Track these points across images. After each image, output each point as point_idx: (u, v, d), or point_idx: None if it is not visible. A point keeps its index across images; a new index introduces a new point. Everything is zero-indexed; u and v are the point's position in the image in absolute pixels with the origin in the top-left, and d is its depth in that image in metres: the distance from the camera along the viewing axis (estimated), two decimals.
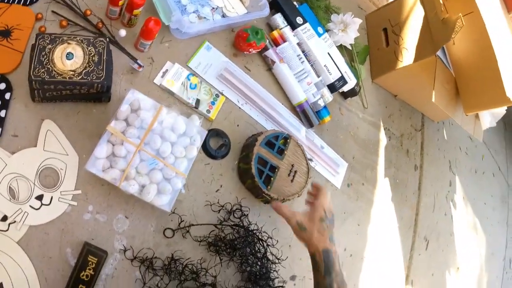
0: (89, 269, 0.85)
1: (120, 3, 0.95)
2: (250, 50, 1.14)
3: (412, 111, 1.62)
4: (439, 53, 1.41)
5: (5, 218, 0.81)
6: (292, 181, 1.08)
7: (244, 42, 1.11)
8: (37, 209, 0.84)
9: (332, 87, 1.30)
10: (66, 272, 0.85)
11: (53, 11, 0.95)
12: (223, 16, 1.13)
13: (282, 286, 1.03)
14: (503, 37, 1.34)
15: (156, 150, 0.91)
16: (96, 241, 0.89)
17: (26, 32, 0.91)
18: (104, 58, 0.85)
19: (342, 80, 1.31)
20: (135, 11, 0.96)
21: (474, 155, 1.93)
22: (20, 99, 0.87)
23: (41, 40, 0.81)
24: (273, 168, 1.07)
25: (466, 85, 1.45)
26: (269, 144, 1.08)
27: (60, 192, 0.87)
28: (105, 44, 0.86)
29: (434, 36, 1.32)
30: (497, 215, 2.07)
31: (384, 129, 1.50)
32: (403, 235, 1.48)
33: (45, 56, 0.80)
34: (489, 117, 1.58)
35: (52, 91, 0.84)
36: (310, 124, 1.23)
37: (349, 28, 1.35)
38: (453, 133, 1.81)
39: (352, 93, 1.37)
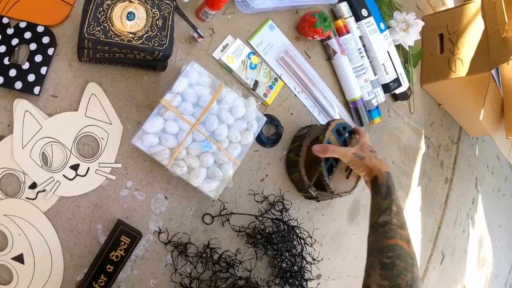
0: (120, 250, 0.73)
1: None
2: (314, 36, 0.99)
3: (452, 123, 1.49)
4: (492, 70, 1.27)
5: (34, 185, 0.68)
6: (347, 177, 0.94)
7: (310, 27, 0.96)
8: (70, 180, 0.71)
9: (386, 88, 1.16)
10: (94, 249, 0.73)
11: None
12: None
13: None
14: None
15: (212, 132, 0.78)
16: (130, 220, 0.77)
17: None
18: (169, 23, 0.71)
19: (397, 82, 1.17)
20: None
21: (499, 175, 1.81)
22: (64, 56, 0.73)
23: None
24: (336, 159, 0.92)
25: None
26: (338, 133, 0.93)
27: (99, 163, 0.74)
28: (172, 8, 0.72)
29: (491, 53, 1.18)
30: (507, 238, 1.97)
31: (425, 137, 1.36)
32: (423, 246, 1.38)
33: (102, 13, 0.66)
34: None
35: (104, 53, 0.70)
36: (361, 123, 1.10)
37: (411, 29, 1.19)
38: (484, 150, 1.68)
39: (404, 96, 1.23)
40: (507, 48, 1.11)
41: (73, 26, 0.74)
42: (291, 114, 0.99)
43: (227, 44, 0.89)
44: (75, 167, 0.72)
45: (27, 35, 0.70)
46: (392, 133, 1.24)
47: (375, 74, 1.13)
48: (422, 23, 1.21)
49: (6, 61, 0.68)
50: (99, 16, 0.66)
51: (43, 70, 0.70)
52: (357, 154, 0.83)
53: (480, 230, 1.70)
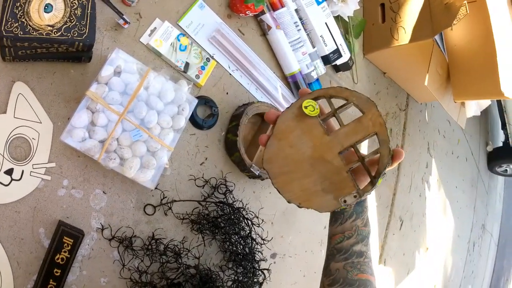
0: (65, 252, 0.77)
1: None
2: (247, 12, 1.03)
3: (398, 90, 1.58)
4: (436, 36, 1.36)
5: None
6: None
7: (242, 3, 1.01)
8: (6, 185, 0.73)
9: (326, 59, 1.23)
10: (40, 254, 0.76)
11: None
12: None
13: (267, 269, 0.99)
14: (505, 30, 1.30)
15: (141, 120, 0.81)
16: (71, 220, 0.80)
17: None
18: (89, 11, 0.73)
19: (337, 53, 1.24)
20: None
21: (451, 138, 1.95)
22: None
23: None
24: None
25: (459, 72, 1.41)
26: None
27: (32, 165, 0.76)
28: None
29: (434, 19, 1.26)
30: (466, 198, 2.13)
31: None
32: (380, 214, 1.48)
33: (19, 8, 0.68)
34: (475, 106, 1.58)
35: (25, 49, 0.71)
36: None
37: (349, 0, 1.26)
38: (434, 115, 1.80)
39: (345, 67, 1.30)
40: (449, 13, 1.19)
41: None
42: (227, 93, 1.03)
43: (155, 28, 0.92)
44: (9, 172, 0.74)
45: None
46: (335, 104, 1.31)
47: (314, 47, 1.19)
48: None
49: None
50: (17, 12, 0.67)
51: None
52: None
53: (437, 193, 1.83)
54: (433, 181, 1.78)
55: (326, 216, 1.22)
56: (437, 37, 1.37)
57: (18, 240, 0.74)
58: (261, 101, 1.04)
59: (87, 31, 0.72)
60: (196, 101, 0.89)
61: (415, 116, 1.66)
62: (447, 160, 1.91)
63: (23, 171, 0.75)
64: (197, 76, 0.96)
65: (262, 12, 1.09)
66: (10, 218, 0.74)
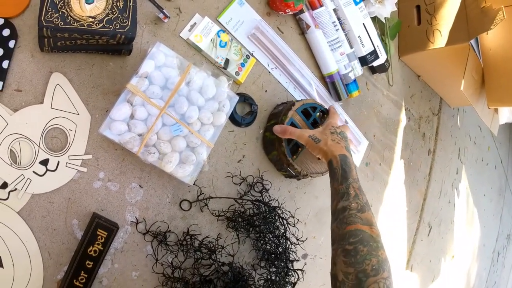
0: (98, 244, 0.72)
1: None
2: (286, 10, 0.97)
3: (432, 94, 1.49)
4: (472, 41, 1.28)
5: (5, 185, 0.66)
6: (319, 158, 0.94)
7: (282, 1, 0.95)
8: (41, 176, 0.69)
9: (363, 61, 1.15)
10: (72, 245, 0.72)
11: None
12: None
13: (301, 270, 0.92)
14: None
15: (182, 115, 0.76)
16: (106, 212, 0.75)
17: None
18: (131, 4, 0.68)
19: (374, 54, 1.16)
20: None
21: (481, 145, 1.84)
22: (26, 48, 0.70)
23: None
24: None
25: (494, 78, 1.32)
26: (305, 114, 0.94)
27: (68, 156, 0.72)
28: None
29: (470, 23, 1.18)
30: (493, 207, 2.01)
31: (405, 109, 1.37)
32: (409, 219, 1.39)
33: None
34: (508, 113, 1.48)
35: (65, 40, 0.67)
36: (338, 97, 1.09)
37: (386, 1, 1.18)
38: (466, 121, 1.70)
39: (382, 69, 1.22)
40: (486, 18, 1.11)
41: (34, 16, 0.70)
42: (266, 91, 0.97)
43: (195, 23, 0.87)
44: (44, 162, 0.70)
45: None
46: (371, 106, 1.24)
47: (351, 47, 1.12)
48: None
49: None
50: (57, 2, 0.63)
51: (5, 64, 0.67)
52: (313, 137, 0.82)
53: (465, 200, 1.73)
54: (463, 188, 1.68)
55: None
56: (472, 41, 1.28)
57: (51, 230, 0.70)
58: (309, 99, 0.97)
59: (129, 23, 0.68)
60: (237, 98, 0.83)
61: (447, 121, 1.56)
62: (476, 167, 1.81)
63: (58, 162, 0.71)
64: (237, 73, 0.91)
65: (301, 11, 1.02)
66: (44, 208, 0.69)
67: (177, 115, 0.75)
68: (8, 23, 0.68)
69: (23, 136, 0.68)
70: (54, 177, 0.70)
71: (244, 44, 0.94)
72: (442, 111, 1.52)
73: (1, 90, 0.66)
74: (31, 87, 0.70)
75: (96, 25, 0.65)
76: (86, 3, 0.65)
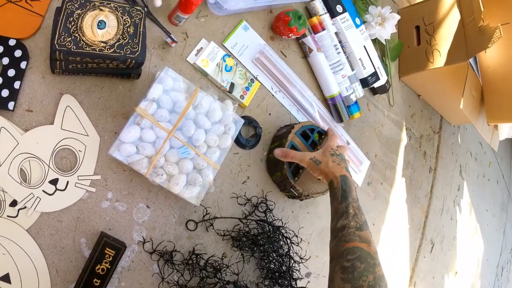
0: (106, 263, 0.73)
1: None
2: (289, 35, 0.99)
3: (432, 113, 1.51)
4: (470, 59, 1.30)
5: (14, 203, 0.68)
6: (319, 179, 0.96)
7: (285, 26, 0.97)
8: (50, 195, 0.71)
9: (364, 82, 1.17)
10: (80, 263, 0.72)
11: None
12: None
13: (304, 287, 0.92)
14: None
15: (189, 138, 0.77)
16: (113, 232, 0.76)
17: None
18: (141, 30, 0.70)
19: (375, 76, 1.18)
20: None
21: (483, 161, 1.84)
22: (37, 69, 0.72)
23: (69, 3, 0.66)
24: None
25: (493, 95, 1.34)
26: (304, 136, 0.96)
27: (78, 176, 0.73)
28: (142, 14, 0.72)
29: (468, 42, 1.20)
30: (495, 222, 2.01)
31: (406, 128, 1.38)
32: (412, 236, 1.39)
33: (72, 23, 0.65)
34: (508, 129, 1.49)
35: (76, 64, 0.69)
36: (340, 119, 1.11)
37: (386, 23, 1.21)
38: (466, 138, 1.71)
39: (382, 89, 1.24)
40: (484, 36, 1.13)
41: (45, 38, 0.73)
42: (270, 114, 0.99)
43: (201, 48, 0.89)
44: (54, 182, 0.71)
45: None
46: (373, 126, 1.25)
47: (353, 69, 1.14)
48: (398, 17, 1.23)
49: None
50: (70, 27, 0.65)
51: (17, 84, 0.69)
52: (314, 159, 0.84)
53: (468, 216, 1.73)
54: (465, 204, 1.68)
55: None
56: (471, 59, 1.30)
57: (59, 248, 0.71)
58: (307, 121, 0.99)
59: (139, 49, 0.70)
60: (242, 121, 0.85)
61: (448, 138, 1.57)
62: (478, 183, 1.81)
63: (68, 181, 0.72)
64: (242, 97, 0.92)
65: (304, 35, 1.05)
66: (52, 226, 0.71)
67: (185, 138, 0.77)
68: (20, 44, 0.70)
69: (33, 156, 0.70)
70: (63, 196, 0.72)
71: (248, 68, 0.96)
72: (442, 129, 1.54)
73: (13, 110, 0.68)
74: (41, 107, 0.72)
75: (108, 50, 0.67)
76: (98, 28, 0.67)
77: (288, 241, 0.92)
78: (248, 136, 0.94)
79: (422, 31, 1.34)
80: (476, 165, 1.78)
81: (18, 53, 0.70)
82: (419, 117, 1.44)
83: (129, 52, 0.69)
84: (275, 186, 0.98)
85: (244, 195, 0.92)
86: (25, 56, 0.70)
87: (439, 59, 1.26)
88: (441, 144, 1.52)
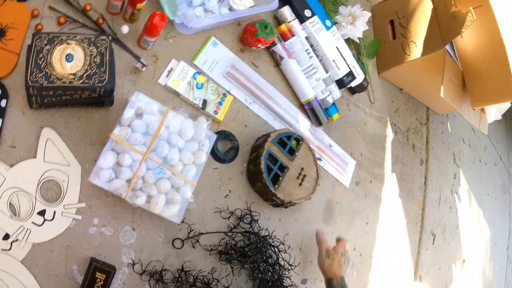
0: (97, 287, 0.77)
1: None
2: (258, 45, 1.05)
3: (417, 105, 1.55)
4: (447, 46, 1.34)
5: (7, 236, 0.73)
6: (300, 184, 1.02)
7: (253, 37, 1.02)
8: (39, 226, 0.76)
9: (340, 83, 1.22)
10: None
11: (50, 7, 0.85)
12: (230, 9, 1.03)
13: None
14: None
15: (163, 158, 0.82)
16: (103, 256, 0.81)
17: (22, 31, 0.81)
18: (107, 59, 0.76)
19: (351, 75, 1.23)
20: (139, 5, 0.87)
21: (477, 146, 1.88)
22: (17, 106, 0.78)
23: (38, 40, 0.72)
24: (283, 168, 1.00)
25: (473, 79, 1.38)
26: (281, 143, 1.01)
27: (63, 206, 0.79)
28: (108, 43, 0.77)
29: (442, 29, 1.24)
30: (498, 205, 2.03)
31: (391, 124, 1.43)
32: (410, 231, 1.43)
33: (42, 59, 0.71)
34: (494, 110, 1.52)
35: (51, 97, 0.75)
36: (319, 122, 1.16)
37: (357, 21, 1.26)
38: (457, 125, 1.75)
39: (361, 88, 1.29)
40: (457, 22, 1.17)
41: (22, 75, 0.77)
42: (246, 126, 1.04)
43: (172, 69, 0.95)
44: (42, 213, 0.76)
45: None
46: (355, 126, 1.30)
47: (327, 72, 1.19)
48: (368, 14, 1.28)
49: None
50: (40, 63, 0.71)
51: None
52: (327, 251, 0.99)
53: (468, 203, 1.76)
54: (463, 192, 1.71)
55: (356, 238, 1.20)
56: (448, 46, 1.33)
57: (53, 276, 0.76)
58: (283, 129, 1.04)
59: (106, 77, 0.75)
60: (215, 136, 0.90)
61: (437, 128, 1.61)
62: (475, 169, 1.84)
63: (55, 211, 0.78)
64: (215, 112, 0.97)
65: (274, 44, 1.10)
66: (44, 256, 0.76)
67: (160, 158, 0.82)
68: (0, 84, 0.76)
69: (20, 189, 0.75)
70: (52, 226, 0.77)
71: (220, 83, 1.01)
72: (430, 119, 1.58)
73: None
74: (24, 142, 0.77)
75: (77, 81, 0.73)
76: (66, 61, 0.72)
77: (276, 249, 0.96)
78: (225, 150, 0.99)
79: (397, 25, 1.39)
80: (470, 151, 1.82)
81: None
82: (404, 110, 1.48)
83: (97, 81, 0.74)
84: (259, 197, 1.02)
85: (227, 209, 0.97)
86: (5, 94, 0.76)
87: (416, 50, 1.31)
88: (430, 134, 1.56)
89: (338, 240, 1.04)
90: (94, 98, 0.80)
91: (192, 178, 0.85)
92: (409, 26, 1.35)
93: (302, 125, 1.14)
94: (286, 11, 1.15)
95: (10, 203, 0.74)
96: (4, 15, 0.80)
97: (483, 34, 1.29)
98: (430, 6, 1.31)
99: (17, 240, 0.73)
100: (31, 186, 0.76)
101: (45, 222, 0.76)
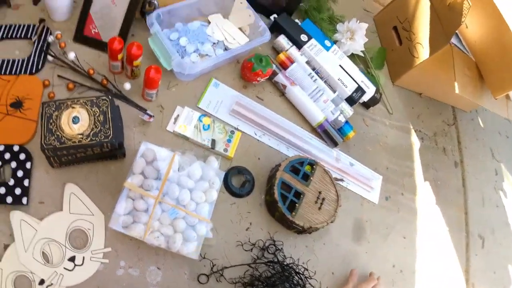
0: None
1: (120, 57, 0.96)
2: (257, 79, 1.11)
3: (441, 106, 1.54)
4: (454, 40, 1.33)
5: (42, 282, 0.83)
6: (320, 208, 1.03)
7: (250, 72, 1.09)
8: (71, 270, 0.85)
9: (350, 100, 1.25)
10: None
11: (58, 75, 0.98)
12: (225, 49, 1.12)
13: None
14: None
15: (176, 199, 0.90)
16: None
17: (37, 100, 0.94)
18: (109, 116, 0.85)
19: (360, 90, 1.26)
20: (135, 62, 0.97)
21: None
22: (40, 166, 0.90)
23: (47, 108, 0.83)
24: (298, 194, 1.03)
25: (488, 67, 1.34)
26: (294, 170, 1.05)
27: (91, 251, 0.88)
28: (108, 102, 0.87)
29: (444, 24, 1.25)
30: None
31: (415, 131, 1.42)
32: (454, 238, 1.39)
33: (53, 124, 0.82)
34: None
35: (66, 156, 0.86)
36: (334, 143, 1.19)
37: (356, 35, 1.29)
38: (489, 119, 1.69)
39: (374, 101, 1.31)
40: (456, 13, 1.18)
41: None
42: (259, 159, 1.10)
43: (178, 115, 1.03)
44: (72, 259, 0.86)
45: (7, 156, 0.88)
46: (375, 140, 1.31)
47: (335, 91, 1.22)
48: (366, 25, 1.31)
49: None
50: (51, 127, 0.82)
51: (26, 182, 0.87)
52: None
53: None
54: (508, 187, 1.63)
55: (395, 255, 1.20)
56: (455, 40, 1.33)
57: None
58: (293, 156, 1.08)
59: (111, 132, 0.84)
60: (223, 173, 0.96)
61: (467, 126, 1.58)
62: None
63: (83, 257, 0.87)
64: (225, 150, 1.04)
65: (275, 74, 1.16)
66: None
67: (172, 200, 0.89)
68: (22, 149, 0.90)
69: (51, 239, 0.86)
70: (82, 270, 0.87)
71: (227, 121, 1.08)
72: (458, 119, 1.55)
73: (27, 204, 0.86)
74: (50, 198, 0.89)
75: (85, 140, 0.83)
76: (73, 123, 0.83)
77: (302, 276, 0.99)
78: (241, 185, 1.05)
79: (400, 30, 1.41)
80: (509, 143, 1.73)
81: (22, 156, 0.89)
82: (427, 115, 1.48)
83: (103, 137, 0.83)
84: (281, 226, 1.06)
85: (249, 241, 1.01)
86: (29, 158, 0.89)
87: (423, 51, 1.32)
88: (460, 134, 1.53)
89: (370, 275, 1.06)
90: (106, 153, 0.89)
91: (206, 215, 0.91)
92: (412, 29, 1.36)
93: (318, 148, 1.17)
94: (282, 40, 1.21)
95: (43, 252, 0.85)
96: (19, 89, 0.94)
97: (486, 19, 1.27)
98: (427, 3, 1.32)
99: (51, 284, 0.83)
100: (61, 236, 0.87)
101: (76, 267, 0.86)
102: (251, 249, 1.01)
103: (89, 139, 0.83)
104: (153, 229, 0.87)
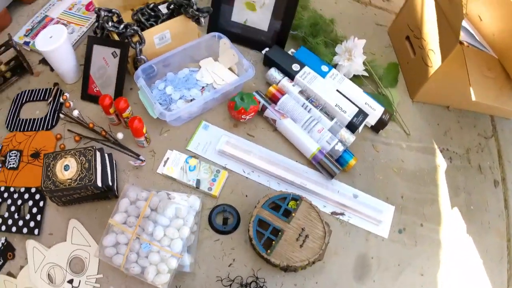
0: None
1: (111, 111, 1.17)
2: (242, 117, 1.21)
3: (475, 117, 1.43)
4: (468, 38, 1.23)
5: None
6: (301, 246, 1.06)
7: (233, 111, 1.20)
8: None
9: (352, 126, 1.26)
10: None
11: (68, 130, 1.24)
12: None
13: None
14: None
15: (150, 235, 1.05)
16: None
17: (50, 151, 1.19)
18: (93, 164, 1.05)
19: (362, 114, 1.26)
20: (124, 114, 1.16)
21: None
22: (52, 205, 1.16)
23: (46, 158, 1.07)
24: (277, 231, 1.08)
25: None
26: (275, 207, 1.10)
27: (86, 276, 1.09)
28: (93, 151, 1.07)
29: (450, 22, 1.19)
30: None
31: (441, 151, 1.36)
32: (492, 270, 1.26)
33: (50, 171, 1.05)
34: None
35: (65, 196, 1.08)
36: (330, 175, 1.20)
37: (353, 54, 1.29)
38: None
39: (382, 124, 1.29)
40: (457, 5, 1.15)
41: None
42: (246, 196, 1.19)
43: (168, 158, 1.19)
44: (71, 281, 1.09)
45: (26, 196, 1.16)
46: (388, 167, 1.29)
47: (332, 119, 1.25)
48: (363, 41, 1.31)
49: (16, 216, 1.13)
50: (49, 174, 1.05)
51: (39, 217, 1.13)
52: None
53: None
54: None
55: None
56: (471, 40, 1.23)
57: None
58: (275, 192, 1.13)
59: (94, 177, 1.04)
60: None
61: (510, 136, 1.44)
62: None
63: (80, 280, 1.09)
64: (210, 188, 1.17)
65: (264, 108, 1.24)
66: None
67: (148, 235, 1.05)
68: (38, 190, 1.16)
69: (55, 264, 1.10)
70: None
71: (216, 161, 1.21)
72: (498, 129, 1.43)
73: (38, 235, 1.11)
74: (58, 231, 1.13)
75: (73, 183, 1.04)
76: (64, 170, 1.05)
77: None
78: (225, 222, 1.15)
79: (413, 38, 1.38)
80: None
81: (37, 196, 1.16)
82: (457, 129, 1.39)
83: (87, 181, 1.04)
84: (266, 263, 1.11)
85: (228, 277, 1.10)
86: (43, 198, 1.16)
87: (435, 58, 1.27)
88: (501, 147, 1.41)
89: None
90: (99, 194, 1.11)
91: (178, 251, 1.05)
92: (423, 35, 1.32)
93: (314, 181, 1.20)
94: (273, 72, 1.29)
95: (48, 274, 1.09)
96: (38, 142, 1.23)
97: (501, 5, 1.16)
98: (432, 3, 1.28)
99: None
100: (63, 262, 1.10)
101: None
102: (230, 285, 1.09)
103: (76, 183, 1.04)
104: (131, 260, 1.04)
